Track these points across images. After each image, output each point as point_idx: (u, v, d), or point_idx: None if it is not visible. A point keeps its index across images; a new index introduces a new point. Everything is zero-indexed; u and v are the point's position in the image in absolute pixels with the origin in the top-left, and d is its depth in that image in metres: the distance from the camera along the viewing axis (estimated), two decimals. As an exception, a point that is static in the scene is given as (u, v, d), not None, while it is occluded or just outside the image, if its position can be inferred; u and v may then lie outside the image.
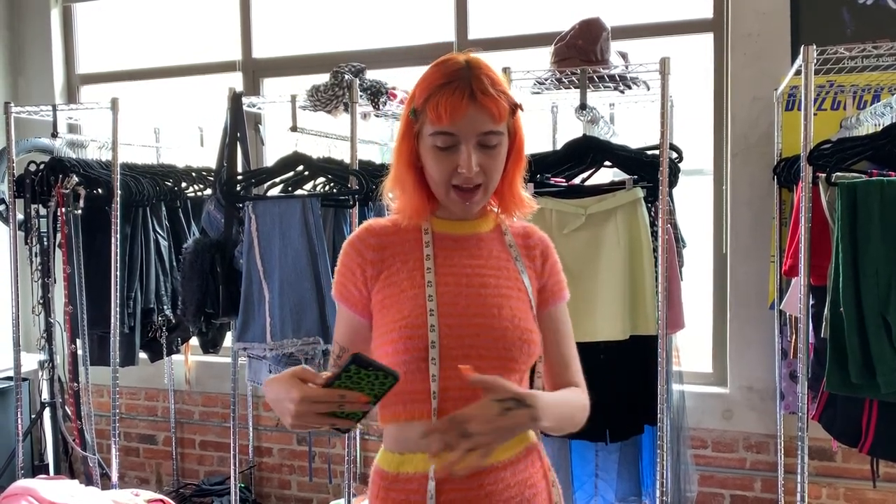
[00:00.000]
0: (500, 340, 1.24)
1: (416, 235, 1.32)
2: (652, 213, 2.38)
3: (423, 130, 1.23)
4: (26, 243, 3.04)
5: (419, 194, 1.29)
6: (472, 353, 1.22)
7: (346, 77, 2.81)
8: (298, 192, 2.86)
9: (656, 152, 2.34)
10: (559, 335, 1.36)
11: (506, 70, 2.46)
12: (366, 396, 1.07)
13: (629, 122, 3.16)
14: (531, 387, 1.34)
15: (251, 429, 3.74)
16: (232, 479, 3.03)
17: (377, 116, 3.12)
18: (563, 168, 2.48)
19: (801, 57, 2.20)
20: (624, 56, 2.75)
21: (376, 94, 2.89)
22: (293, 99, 2.94)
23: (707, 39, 3.13)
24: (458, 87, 1.18)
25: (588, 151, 2.45)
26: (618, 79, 2.61)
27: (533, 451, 1.30)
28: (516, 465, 1.25)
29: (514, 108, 1.25)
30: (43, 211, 3.03)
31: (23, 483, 2.65)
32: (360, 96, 2.82)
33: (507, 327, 1.24)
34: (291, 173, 2.81)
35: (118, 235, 2.94)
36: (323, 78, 2.87)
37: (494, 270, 1.30)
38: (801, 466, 2.24)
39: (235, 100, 2.92)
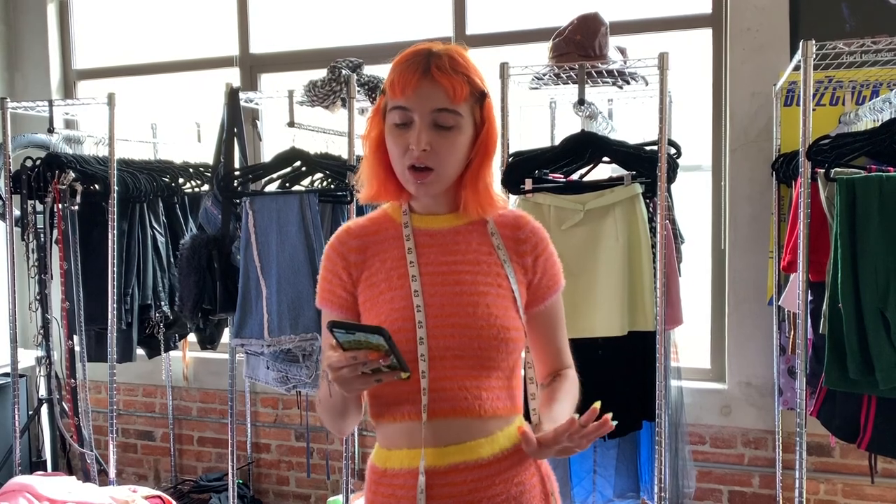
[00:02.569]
0: (476, 340, 1.22)
1: (394, 233, 1.31)
2: (650, 209, 2.37)
3: (387, 106, 1.23)
4: (23, 239, 3.03)
5: (385, 173, 1.28)
6: (448, 353, 1.21)
7: (344, 72, 2.80)
8: (296, 187, 2.85)
9: (655, 148, 2.33)
10: (552, 328, 1.35)
11: (504, 65, 2.46)
12: (376, 352, 1.07)
13: (628, 117, 3.16)
14: (524, 379, 1.33)
15: (249, 425, 3.74)
16: (230, 475, 3.02)
17: (374, 112, 3.10)
18: (561, 164, 2.47)
19: (800, 52, 2.20)
20: (622, 51, 2.74)
21: (374, 89, 2.88)
22: (290, 94, 2.94)
23: (706, 35, 3.12)
24: (414, 62, 1.19)
25: (586, 147, 2.45)
26: (616, 74, 2.61)
27: (521, 449, 1.27)
28: (502, 462, 1.24)
29: (482, 96, 1.23)
30: (39, 207, 3.02)
31: (20, 479, 2.65)
32: (358, 91, 2.81)
33: (483, 326, 1.22)
34: (289, 169, 2.80)
35: (115, 231, 2.93)
36: (320, 73, 2.86)
37: (471, 266, 1.27)
38: (800, 462, 2.24)
39: (233, 95, 2.91)
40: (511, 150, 2.48)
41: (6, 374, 3.31)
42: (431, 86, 1.18)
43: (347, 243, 1.31)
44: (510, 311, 1.26)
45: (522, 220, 1.34)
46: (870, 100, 2.70)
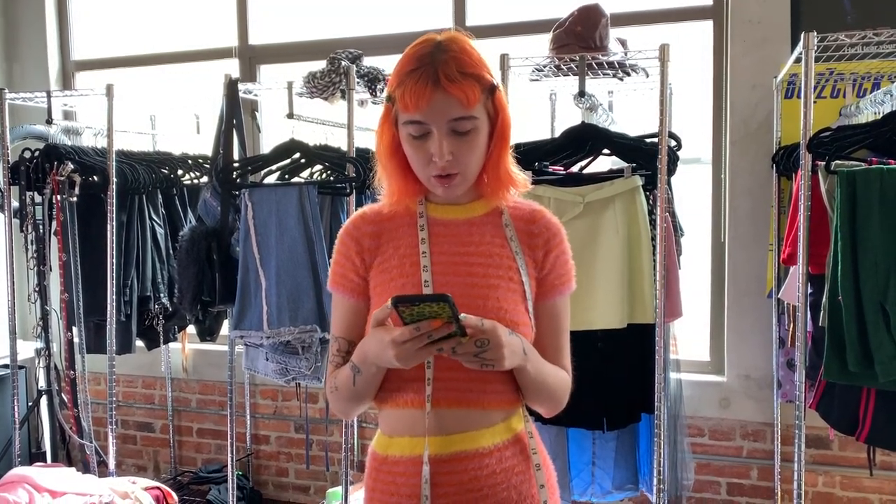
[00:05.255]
0: None
1: (409, 221, 1.31)
2: (650, 202, 2.37)
3: (399, 118, 1.22)
4: (22, 231, 3.02)
5: (404, 178, 1.28)
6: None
7: (343, 64, 2.79)
8: (295, 179, 2.84)
9: (655, 140, 2.32)
10: (556, 326, 1.33)
11: (504, 57, 2.45)
12: (440, 321, 1.07)
13: (628, 109, 3.15)
14: None
15: (248, 416, 3.74)
16: (229, 466, 3.03)
17: (374, 103, 3.10)
18: (561, 156, 2.46)
19: (801, 44, 2.19)
20: (623, 43, 2.74)
21: (373, 80, 2.88)
22: (290, 86, 2.92)
23: (707, 26, 3.11)
24: (423, 74, 1.16)
25: (586, 139, 2.44)
26: (617, 66, 2.60)
27: (521, 440, 1.28)
28: (503, 451, 1.25)
29: (492, 89, 1.22)
30: (38, 198, 3.02)
31: (20, 471, 2.65)
32: (357, 83, 2.80)
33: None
34: (288, 161, 2.79)
35: (114, 223, 2.93)
36: (320, 65, 2.85)
37: (484, 258, 1.27)
38: (798, 455, 2.24)
39: (232, 87, 2.89)
40: (511, 142, 2.47)
41: (5, 366, 3.31)
42: (444, 97, 1.16)
43: (362, 228, 1.32)
44: (519, 305, 1.26)
45: (538, 215, 1.34)
46: (871, 92, 2.69)
